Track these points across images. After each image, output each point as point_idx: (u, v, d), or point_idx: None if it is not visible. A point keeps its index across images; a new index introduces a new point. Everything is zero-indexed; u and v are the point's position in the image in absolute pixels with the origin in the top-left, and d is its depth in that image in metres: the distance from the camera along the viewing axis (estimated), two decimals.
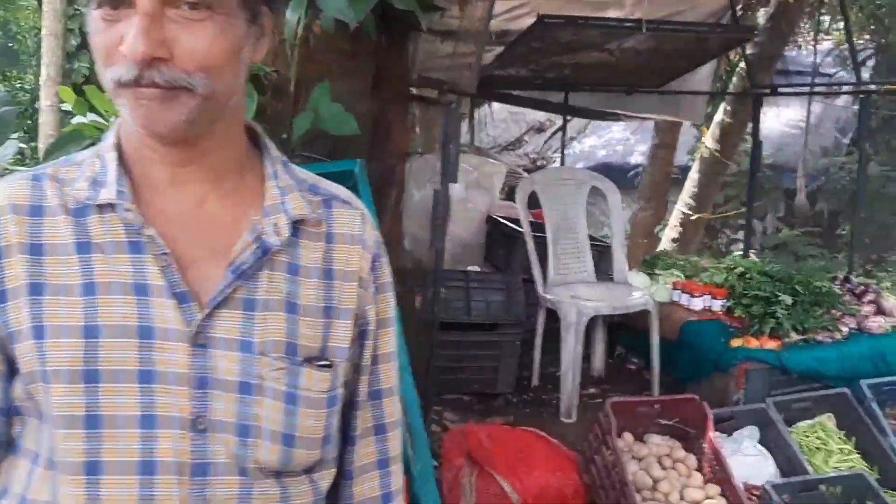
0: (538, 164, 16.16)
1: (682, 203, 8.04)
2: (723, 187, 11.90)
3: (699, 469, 3.83)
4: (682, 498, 3.59)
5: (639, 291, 4.74)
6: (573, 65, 5.63)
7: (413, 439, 2.87)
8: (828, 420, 4.34)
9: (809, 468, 3.85)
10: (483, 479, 3.80)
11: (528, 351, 5.04)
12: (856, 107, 12.83)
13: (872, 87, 5.98)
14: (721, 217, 9.50)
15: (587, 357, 5.27)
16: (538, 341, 4.96)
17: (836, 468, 4.05)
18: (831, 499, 3.58)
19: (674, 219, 8.25)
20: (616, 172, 11.85)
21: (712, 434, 3.76)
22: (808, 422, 4.32)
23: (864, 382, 4.22)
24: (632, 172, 12.45)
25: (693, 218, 7.87)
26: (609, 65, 5.64)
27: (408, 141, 3.84)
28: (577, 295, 4.72)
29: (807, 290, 4.71)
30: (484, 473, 3.84)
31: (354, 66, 3.57)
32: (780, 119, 12.55)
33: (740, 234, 13.01)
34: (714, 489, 3.64)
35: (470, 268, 5.06)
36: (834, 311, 4.74)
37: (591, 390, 5.03)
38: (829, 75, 12.08)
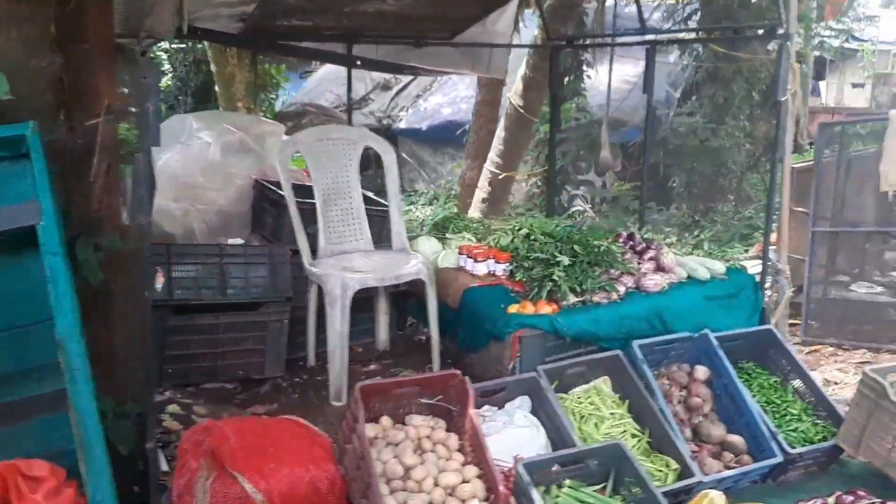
0: (384, 122, 15.77)
1: (491, 162, 7.86)
2: (539, 144, 11.96)
3: (462, 449, 3.61)
4: (436, 484, 3.35)
5: (416, 259, 4.46)
6: (352, 14, 5.23)
7: (88, 461, 2.45)
8: (603, 384, 4.25)
9: (576, 439, 3.72)
10: (222, 481, 3.42)
11: (303, 330, 4.68)
12: (684, 61, 13.17)
13: (655, 37, 5.93)
14: (531, 175, 9.43)
15: (371, 331, 4.99)
16: (311, 318, 4.61)
17: (607, 435, 3.95)
18: (595, 471, 3.45)
19: (482, 179, 8.07)
20: (461, 131, 11.66)
21: (472, 411, 3.54)
22: (584, 387, 4.22)
23: (635, 343, 4.14)
24: (459, 131, 12.28)
25: (501, 177, 7.71)
26: (392, 14, 5.28)
27: (115, 99, 3.32)
28: (349, 266, 4.40)
29: (585, 250, 4.59)
30: (224, 474, 3.46)
31: (27, 11, 3.02)
32: (615, 74, 12.69)
33: (582, 191, 13.17)
34: (472, 471, 3.43)
35: (232, 240, 4.62)
36: (613, 271, 4.65)
37: (373, 366, 4.75)
38: (659, 30, 12.27)
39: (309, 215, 4.54)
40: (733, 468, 3.92)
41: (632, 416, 4.11)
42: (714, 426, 4.08)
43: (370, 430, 3.51)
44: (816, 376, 5.64)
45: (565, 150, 11.65)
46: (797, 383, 4.43)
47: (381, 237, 4.93)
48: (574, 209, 11.99)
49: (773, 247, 5.33)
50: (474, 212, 7.94)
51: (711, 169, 11.87)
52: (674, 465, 3.84)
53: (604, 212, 12.09)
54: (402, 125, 14.45)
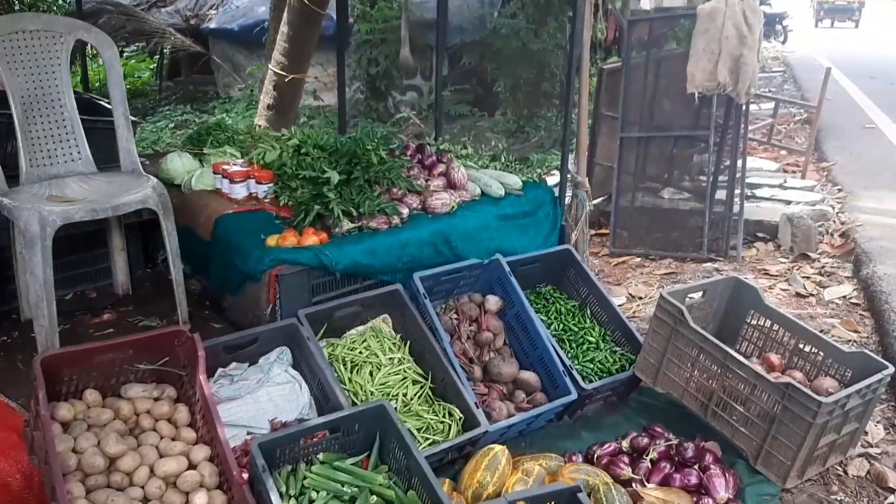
0: (192, 22, 14.18)
1: (275, 62, 6.92)
2: (361, 46, 11.08)
3: (194, 424, 2.92)
4: (152, 473, 2.65)
5: (146, 184, 3.59)
6: None
7: None
8: (382, 323, 3.66)
9: (341, 395, 3.12)
10: None
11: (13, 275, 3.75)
12: None
13: None
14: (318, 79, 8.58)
15: (108, 271, 4.11)
16: (19, 263, 3.67)
17: (383, 385, 3.39)
18: (359, 438, 2.86)
19: (267, 82, 7.13)
20: None
21: (202, 376, 2.83)
22: (360, 328, 3.61)
23: (415, 275, 3.55)
24: (256, 29, 11.09)
25: (287, 80, 6.82)
26: None
27: None
28: (58, 194, 3.48)
29: (363, 166, 3.90)
30: None
31: None
32: None
33: (408, 96, 12.40)
34: (202, 452, 2.75)
35: None
36: (396, 191, 4.00)
37: (107, 316, 3.91)
38: None
39: (6, 130, 3.54)
40: (525, 410, 3.48)
41: (414, 360, 3.56)
42: (505, 363, 3.61)
43: (66, 409, 2.74)
44: (621, 291, 5.39)
45: (386, 52, 10.82)
46: (595, 307, 4.04)
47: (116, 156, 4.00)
48: (399, 116, 11.28)
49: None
50: (260, 121, 7.03)
51: (534, 73, 11.46)
52: (458, 413, 3.35)
53: (430, 119, 11.41)
54: (213, 25, 12.98)
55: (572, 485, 2.26)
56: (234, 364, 3.28)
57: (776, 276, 5.78)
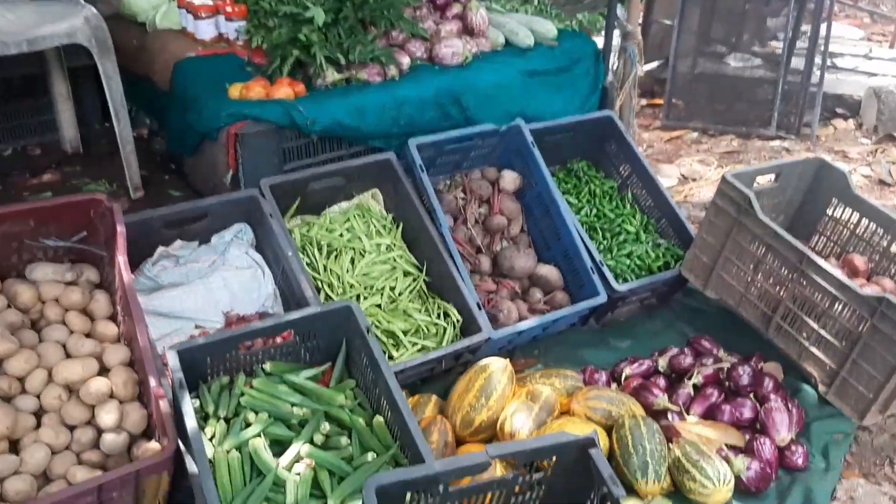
0: None
1: None
2: None
3: (115, 317, 2.35)
4: (51, 379, 2.10)
5: (77, 12, 2.89)
6: None
7: None
8: (371, 200, 3.01)
9: (308, 288, 2.51)
10: None
11: None
12: None
13: None
14: None
15: (55, 124, 3.49)
16: None
17: (365, 276, 2.77)
18: (323, 346, 2.27)
19: None
20: None
21: (121, 257, 2.24)
22: (344, 205, 2.97)
23: (412, 142, 2.86)
24: None
25: None
26: None
27: None
28: None
29: (354, 3, 3.14)
30: None
31: None
32: None
33: None
34: (118, 354, 2.18)
35: None
36: (397, 34, 3.24)
37: (48, 176, 3.31)
38: None
39: None
40: (541, 312, 2.85)
41: (407, 246, 2.92)
42: (519, 255, 2.96)
43: None
44: (672, 171, 4.64)
45: None
46: (638, 190, 3.32)
47: None
48: None
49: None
50: None
51: None
52: (455, 315, 2.73)
53: None
54: None
55: (583, 436, 1.65)
56: (179, 242, 2.68)
57: (856, 159, 4.99)
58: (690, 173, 4.67)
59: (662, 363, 2.64)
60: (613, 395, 2.37)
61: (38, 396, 2.11)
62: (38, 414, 2.10)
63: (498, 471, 1.84)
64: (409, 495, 1.58)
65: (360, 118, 3.01)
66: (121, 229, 2.29)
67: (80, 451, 2.07)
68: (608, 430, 2.29)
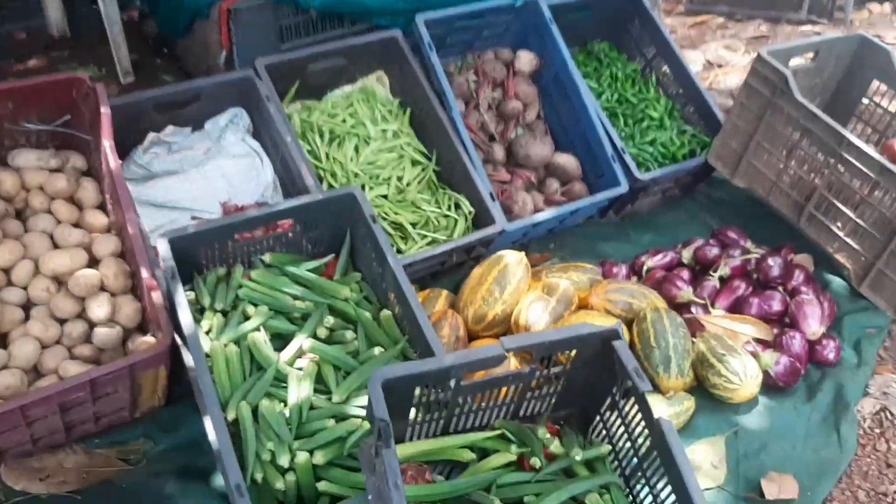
0: None
1: None
2: None
3: (104, 206, 2.21)
4: (38, 271, 1.99)
5: None
6: None
7: None
8: (376, 83, 2.82)
9: (309, 176, 2.36)
10: None
11: None
12: None
13: None
14: None
15: (38, 7, 3.26)
16: None
17: (371, 164, 2.61)
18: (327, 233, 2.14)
19: None
20: None
21: (107, 141, 2.09)
22: (347, 88, 2.78)
23: (420, 17, 2.65)
24: None
25: None
26: None
27: None
28: None
29: None
30: None
31: None
32: None
33: None
34: (109, 244, 2.06)
35: None
36: None
37: (34, 62, 3.12)
38: None
39: None
40: (557, 204, 2.70)
41: (416, 134, 2.75)
42: (536, 142, 2.78)
43: None
44: (697, 57, 4.38)
45: None
46: (663, 73, 3.10)
47: None
48: None
49: None
50: None
51: None
52: (467, 206, 2.58)
53: None
54: None
55: (606, 327, 1.52)
56: (171, 128, 2.51)
57: (892, 44, 4.67)
58: (716, 59, 4.41)
59: (687, 255, 2.50)
60: (634, 288, 2.24)
61: (26, 289, 2.00)
62: (26, 307, 2.00)
63: (513, 366, 1.73)
64: (418, 390, 1.47)
65: None
66: (105, 111, 2.12)
67: (71, 345, 1.97)
68: (628, 325, 2.17)
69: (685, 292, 2.29)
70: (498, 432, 1.64)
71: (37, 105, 2.18)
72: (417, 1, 2.88)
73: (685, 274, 2.41)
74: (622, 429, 1.61)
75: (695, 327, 2.23)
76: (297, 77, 2.66)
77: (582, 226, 2.89)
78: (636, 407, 1.50)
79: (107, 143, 2.11)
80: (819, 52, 2.86)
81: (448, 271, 2.62)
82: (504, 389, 1.60)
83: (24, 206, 2.16)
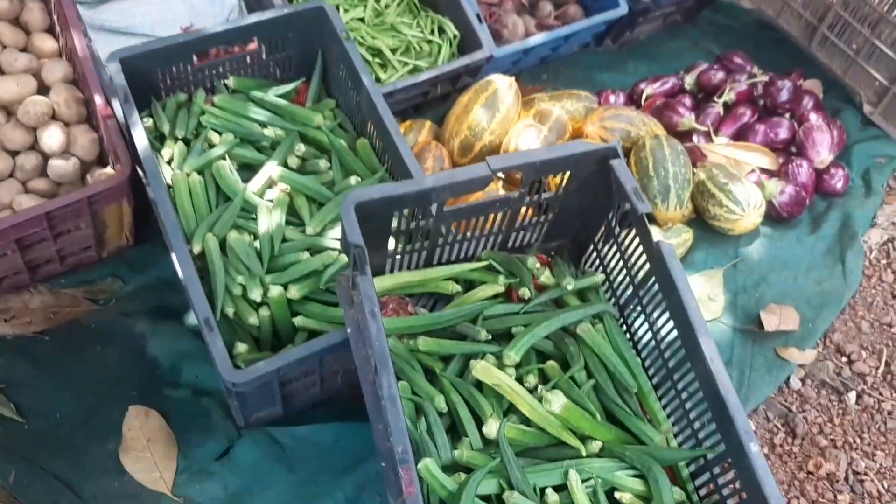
0: None
1: None
2: None
3: (54, 30, 2.01)
4: None
5: None
6: None
7: None
8: None
9: (277, 2, 2.13)
10: None
11: None
12: None
13: None
14: None
15: None
16: None
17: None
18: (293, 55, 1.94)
19: None
20: None
21: None
22: None
23: None
24: None
25: None
26: None
27: None
28: None
29: None
30: None
31: None
32: None
33: None
34: (59, 69, 1.88)
35: None
36: None
37: None
38: None
39: None
40: (550, 28, 2.49)
41: None
42: None
43: None
44: None
45: None
46: None
47: None
48: None
49: None
50: None
51: None
52: (452, 30, 2.38)
53: None
54: None
55: (602, 144, 1.37)
56: None
57: None
58: None
59: (689, 80, 2.33)
60: (633, 115, 2.08)
61: None
62: None
63: (501, 192, 1.60)
64: (395, 217, 1.33)
65: None
66: None
67: (25, 178, 1.83)
68: (626, 154, 2.03)
69: (687, 119, 2.14)
70: (485, 263, 1.53)
71: None
72: None
73: (687, 100, 2.25)
74: (617, 256, 1.50)
75: (696, 156, 2.09)
76: None
77: (577, 55, 2.68)
78: (634, 231, 1.38)
79: None
80: None
81: (432, 103, 2.44)
82: (491, 217, 1.47)
83: None
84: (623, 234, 1.44)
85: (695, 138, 2.14)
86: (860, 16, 2.28)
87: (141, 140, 1.57)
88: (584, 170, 1.42)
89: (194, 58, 1.82)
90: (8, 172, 1.81)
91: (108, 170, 1.80)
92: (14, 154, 1.83)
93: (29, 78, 1.87)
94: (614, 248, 1.50)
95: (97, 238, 1.87)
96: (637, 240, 1.39)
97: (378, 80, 2.31)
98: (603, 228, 1.52)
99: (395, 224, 1.37)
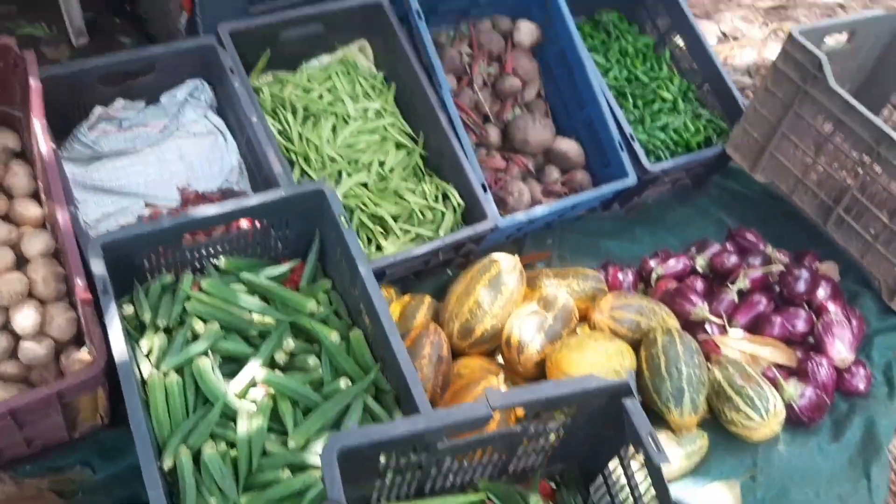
0: None
1: None
2: None
3: (38, 194, 1.92)
4: None
5: None
6: None
7: None
8: (358, 54, 2.52)
9: (276, 162, 2.07)
10: None
11: None
12: None
13: None
14: None
15: None
16: None
17: (350, 148, 2.32)
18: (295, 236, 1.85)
19: None
20: None
21: (38, 120, 1.79)
22: (325, 59, 2.47)
23: None
24: None
25: None
26: None
27: None
28: None
29: None
30: None
31: None
32: None
33: None
34: (39, 242, 1.78)
35: None
36: None
37: None
38: None
39: None
40: (557, 195, 2.43)
41: (401, 113, 2.45)
42: (535, 125, 2.49)
43: None
44: (710, 28, 4.05)
45: None
46: (679, 43, 2.80)
47: None
48: None
49: None
50: None
51: None
52: (456, 198, 2.30)
53: None
54: None
55: (613, 381, 1.25)
56: (121, 101, 2.21)
57: None
58: (732, 31, 4.09)
59: (701, 262, 2.23)
60: (643, 304, 1.97)
61: None
62: None
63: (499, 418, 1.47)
64: (383, 457, 1.20)
65: None
66: (35, 84, 1.82)
67: None
68: (635, 346, 1.91)
69: (700, 309, 2.03)
70: (481, 496, 1.38)
71: None
72: None
73: (699, 285, 2.15)
74: (629, 492, 1.35)
75: (710, 348, 1.97)
76: (268, 45, 2.35)
77: (583, 219, 2.61)
78: (649, 480, 1.25)
79: (37, 123, 1.81)
80: (855, 31, 2.56)
81: (433, 270, 2.35)
82: (490, 448, 1.34)
83: None
84: (637, 475, 1.30)
85: (708, 328, 2.03)
86: (878, 201, 2.21)
87: (117, 343, 1.46)
88: (593, 403, 1.30)
89: (184, 238, 1.72)
90: None
91: (83, 355, 1.68)
92: None
93: (6, 251, 1.77)
94: (626, 482, 1.36)
95: (69, 422, 1.74)
96: (652, 489, 1.25)
97: (379, 248, 2.22)
98: (614, 460, 1.38)
99: (383, 461, 1.24)
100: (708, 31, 4.00)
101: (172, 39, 2.48)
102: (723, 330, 2.02)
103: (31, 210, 1.88)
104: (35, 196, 1.93)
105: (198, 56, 2.20)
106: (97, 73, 2.10)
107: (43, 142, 1.79)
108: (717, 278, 2.21)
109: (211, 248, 1.79)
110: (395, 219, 2.26)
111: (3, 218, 1.87)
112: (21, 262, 1.79)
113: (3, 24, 2.77)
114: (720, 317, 2.04)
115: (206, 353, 1.60)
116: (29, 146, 1.94)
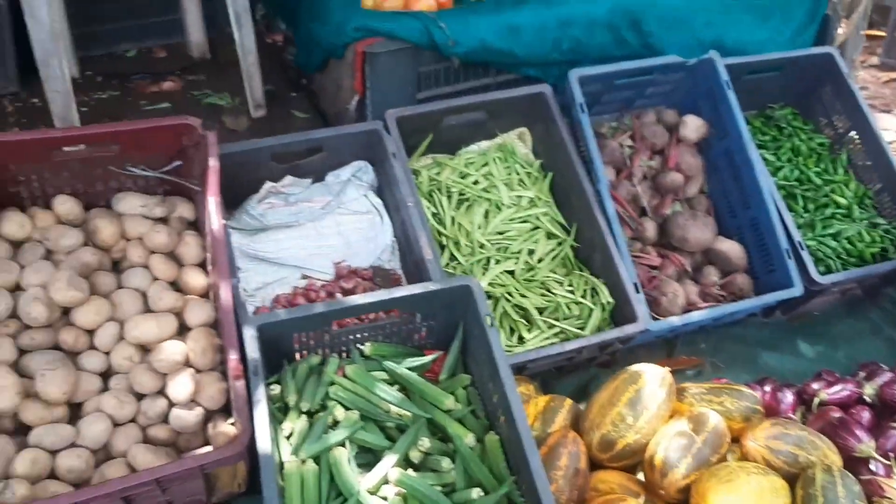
0: None
1: None
2: None
3: (205, 263, 2.03)
4: (122, 336, 1.82)
5: None
6: None
7: None
8: (517, 141, 2.53)
9: (428, 250, 2.09)
10: None
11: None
12: None
13: None
14: None
15: (181, 25, 3.17)
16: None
17: (500, 234, 2.32)
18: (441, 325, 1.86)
19: None
20: None
21: (213, 197, 1.90)
22: (483, 145, 2.50)
23: (574, 73, 2.32)
24: None
25: None
26: None
27: None
28: None
29: None
30: None
31: None
32: None
33: None
34: (201, 312, 1.87)
35: None
36: None
37: (169, 84, 3.02)
38: None
39: None
40: (715, 300, 2.31)
41: (555, 202, 2.43)
42: (695, 223, 2.40)
43: (16, 224, 1.91)
44: (890, 122, 3.81)
45: None
46: (856, 151, 2.63)
47: None
48: None
49: None
50: None
51: None
52: (605, 295, 2.23)
53: None
54: None
55: None
56: (289, 178, 2.32)
57: None
58: None
59: (869, 390, 2.04)
60: (803, 435, 1.82)
61: (108, 353, 1.83)
62: (105, 373, 1.83)
63: None
64: None
65: (514, 40, 2.48)
66: (214, 164, 1.94)
67: (146, 424, 1.79)
68: (791, 480, 1.76)
69: (865, 446, 1.85)
70: None
71: (144, 148, 2.02)
72: (574, 53, 2.57)
73: (865, 416, 1.97)
74: None
75: (874, 490, 1.79)
76: (431, 130, 2.40)
77: (741, 325, 2.47)
78: None
79: (212, 200, 1.92)
80: None
81: (576, 367, 2.29)
82: None
83: (121, 257, 2.01)
84: None
85: (873, 467, 1.84)
86: None
87: (262, 424, 1.49)
88: None
89: (333, 325, 1.76)
90: (130, 418, 1.78)
91: (230, 428, 1.73)
92: (140, 396, 1.81)
93: (170, 318, 1.87)
94: None
95: (208, 488, 1.79)
96: None
97: (521, 340, 2.19)
98: None
99: None
100: (886, 125, 3.76)
101: (342, 116, 2.60)
102: (889, 471, 1.83)
103: (197, 280, 1.98)
104: (202, 265, 2.04)
105: (364, 139, 2.27)
106: (270, 152, 2.21)
107: (216, 218, 1.90)
108: (887, 410, 2.02)
109: (358, 335, 1.82)
110: (540, 311, 2.22)
111: (172, 283, 1.98)
112: (181, 329, 1.89)
113: (191, 94, 3.00)
114: (887, 457, 1.85)
115: (343, 444, 1.61)
116: (202, 217, 2.05)
